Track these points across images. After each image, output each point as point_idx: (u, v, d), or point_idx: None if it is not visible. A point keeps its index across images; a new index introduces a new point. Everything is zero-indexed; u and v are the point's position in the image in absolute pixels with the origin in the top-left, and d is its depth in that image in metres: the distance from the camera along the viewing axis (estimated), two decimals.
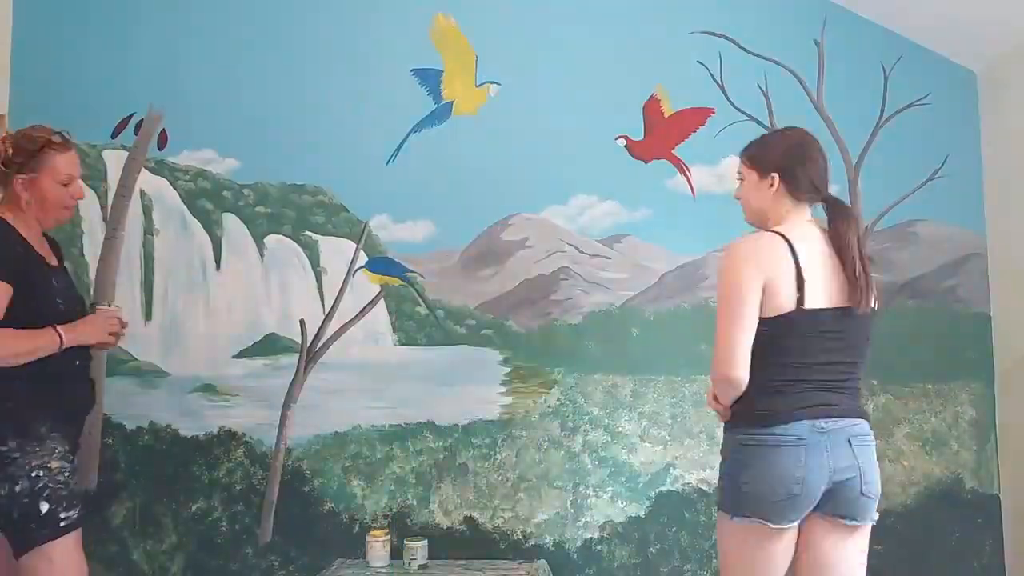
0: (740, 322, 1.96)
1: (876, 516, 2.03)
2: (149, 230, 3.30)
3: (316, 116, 3.30)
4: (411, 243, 3.30)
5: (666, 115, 3.32)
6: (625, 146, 3.31)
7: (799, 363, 1.96)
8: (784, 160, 2.08)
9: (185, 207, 3.31)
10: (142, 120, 3.30)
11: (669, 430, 3.26)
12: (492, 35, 3.32)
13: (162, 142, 3.31)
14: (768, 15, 3.36)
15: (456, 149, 3.29)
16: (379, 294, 3.30)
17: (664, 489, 3.23)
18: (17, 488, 2.07)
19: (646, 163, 3.32)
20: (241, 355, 3.26)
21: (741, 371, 1.95)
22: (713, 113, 3.32)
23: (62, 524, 2.11)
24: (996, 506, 3.23)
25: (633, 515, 3.22)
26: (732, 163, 3.21)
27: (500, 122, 3.30)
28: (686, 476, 3.23)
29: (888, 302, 3.16)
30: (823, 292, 1.97)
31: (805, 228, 2.05)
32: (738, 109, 3.30)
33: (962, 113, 3.34)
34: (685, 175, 3.32)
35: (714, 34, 3.33)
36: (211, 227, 3.32)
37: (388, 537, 3.05)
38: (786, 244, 1.98)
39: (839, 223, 2.04)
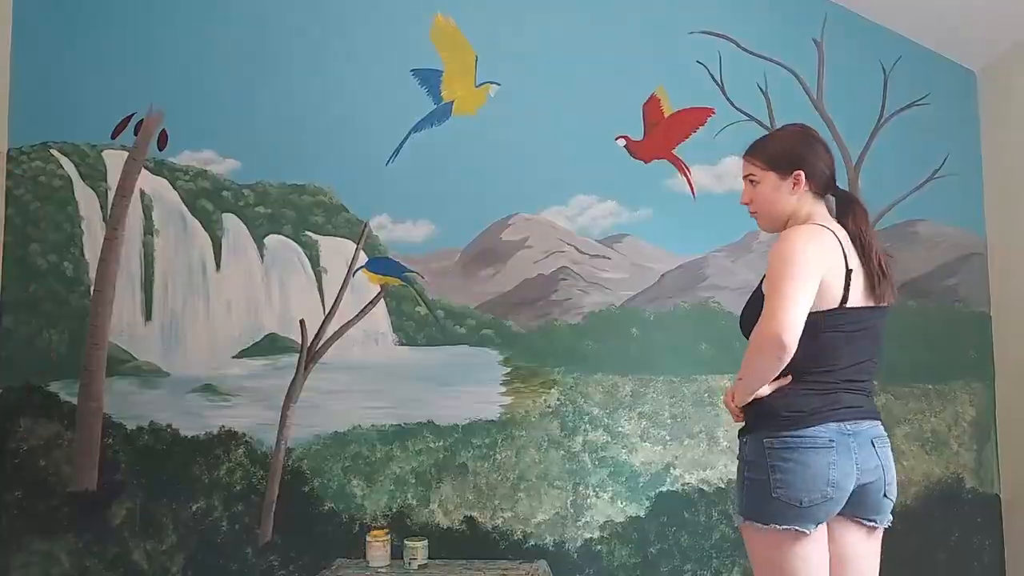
0: (803, 285, 1.82)
1: (891, 519, 2.01)
2: (149, 230, 3.30)
3: (316, 116, 3.30)
4: (411, 243, 3.30)
5: (666, 115, 3.32)
6: (625, 146, 3.31)
7: (832, 363, 1.90)
8: (804, 152, 2.00)
9: (185, 207, 3.32)
10: (142, 120, 3.31)
11: (669, 430, 3.26)
12: (492, 35, 3.33)
13: (162, 142, 3.31)
14: (768, 15, 3.36)
15: (456, 149, 3.29)
16: (379, 294, 3.30)
17: (664, 489, 3.23)
18: None
19: (646, 163, 3.31)
20: (241, 355, 3.27)
21: (795, 336, 1.78)
22: (713, 113, 3.32)
23: None
24: (996, 506, 3.23)
25: (633, 515, 3.22)
26: (732, 163, 3.28)
27: (500, 122, 3.30)
28: (686, 476, 3.23)
29: None
30: (857, 290, 1.93)
31: (834, 224, 1.98)
32: (738, 109, 3.30)
33: (962, 113, 3.34)
34: (685, 175, 3.32)
35: (714, 34, 3.33)
36: (211, 227, 3.32)
37: (388, 537, 3.05)
38: (835, 239, 1.92)
39: (859, 219, 1.98)
